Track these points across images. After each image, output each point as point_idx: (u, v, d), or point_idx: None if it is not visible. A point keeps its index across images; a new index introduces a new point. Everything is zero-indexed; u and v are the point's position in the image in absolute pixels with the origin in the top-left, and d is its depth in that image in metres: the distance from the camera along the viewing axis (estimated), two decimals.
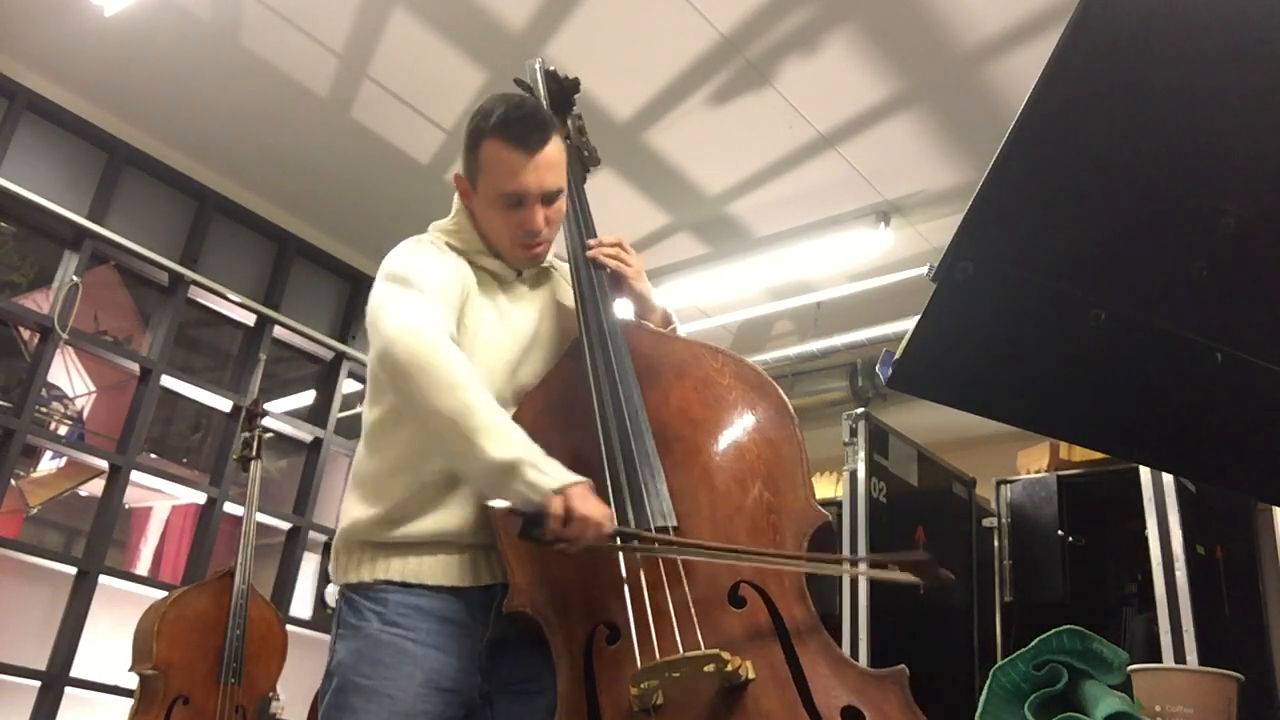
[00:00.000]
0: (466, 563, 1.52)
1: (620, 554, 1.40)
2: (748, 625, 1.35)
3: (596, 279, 1.71)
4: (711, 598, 1.36)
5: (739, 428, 1.55)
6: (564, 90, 1.89)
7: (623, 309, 1.74)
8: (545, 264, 1.75)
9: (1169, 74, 0.77)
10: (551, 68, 1.91)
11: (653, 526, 1.40)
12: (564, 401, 1.59)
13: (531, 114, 1.62)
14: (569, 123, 1.87)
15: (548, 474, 1.34)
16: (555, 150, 1.61)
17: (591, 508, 1.33)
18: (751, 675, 1.26)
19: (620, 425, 1.50)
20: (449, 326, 1.51)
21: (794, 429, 1.54)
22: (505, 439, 1.36)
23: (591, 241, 1.74)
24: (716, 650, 1.25)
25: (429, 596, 1.50)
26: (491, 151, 1.59)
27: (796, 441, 1.53)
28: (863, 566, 1.37)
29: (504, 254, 1.67)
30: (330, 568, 1.61)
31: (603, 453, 1.47)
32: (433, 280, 1.55)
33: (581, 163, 1.88)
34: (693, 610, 1.34)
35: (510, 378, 1.62)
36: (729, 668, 1.24)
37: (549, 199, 1.61)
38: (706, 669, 1.25)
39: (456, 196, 1.72)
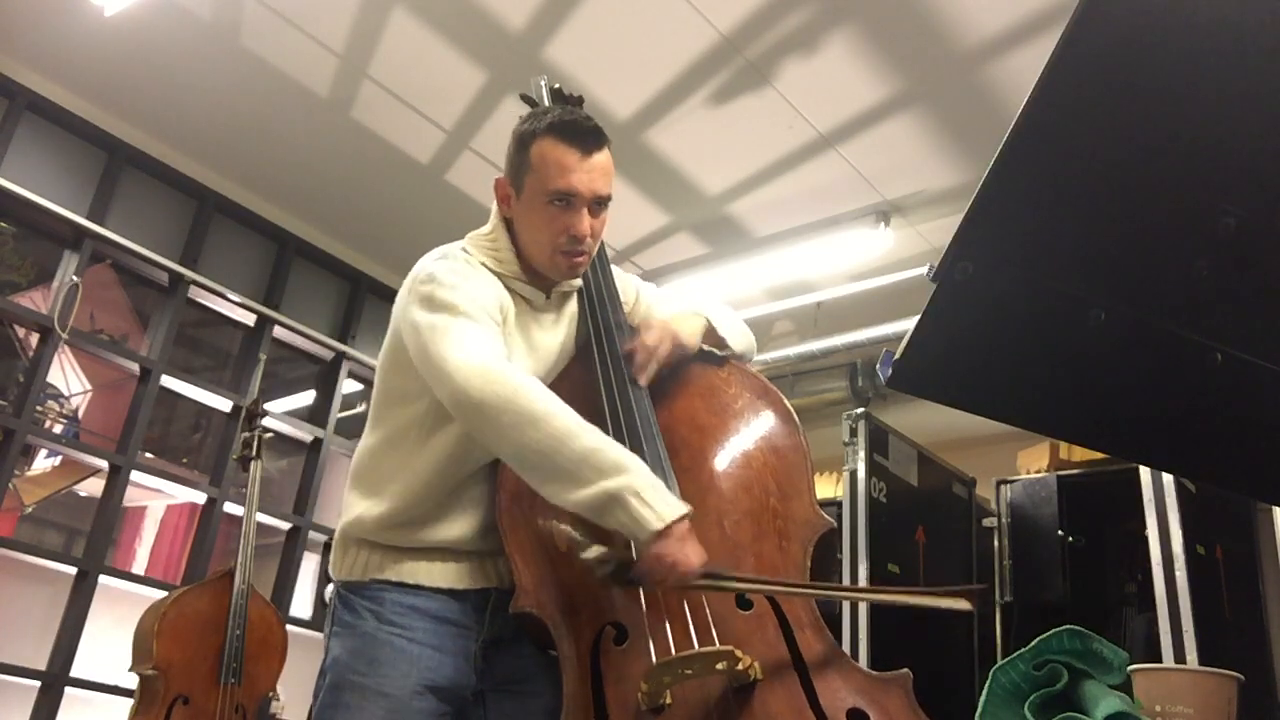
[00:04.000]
0: (465, 568, 1.53)
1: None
2: (755, 627, 1.35)
3: (606, 287, 1.71)
4: (719, 599, 1.37)
5: (745, 435, 1.57)
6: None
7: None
8: (576, 286, 1.71)
9: (1169, 73, 0.77)
10: (557, 85, 1.90)
11: None
12: (573, 406, 1.59)
13: (586, 120, 1.61)
14: None
15: (653, 506, 1.28)
16: (608, 160, 1.59)
17: (689, 552, 1.28)
18: (759, 676, 1.27)
19: (631, 429, 1.50)
20: (505, 354, 1.47)
21: (799, 437, 1.56)
22: (608, 464, 1.31)
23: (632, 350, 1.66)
24: (730, 647, 1.26)
25: (426, 596, 1.50)
26: (544, 149, 1.56)
27: (802, 449, 1.55)
28: (912, 598, 1.38)
29: (542, 265, 1.61)
30: (329, 563, 1.61)
31: None
32: (481, 306, 1.50)
33: None
34: (707, 609, 1.35)
35: None
36: (740, 666, 1.25)
37: (597, 206, 1.58)
38: (719, 666, 1.25)
39: (494, 210, 1.67)
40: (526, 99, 1.88)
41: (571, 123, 1.58)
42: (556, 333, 1.67)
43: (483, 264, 1.61)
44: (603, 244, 1.77)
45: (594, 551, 1.31)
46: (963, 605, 1.32)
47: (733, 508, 1.47)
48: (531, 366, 1.59)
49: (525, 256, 1.62)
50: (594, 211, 1.58)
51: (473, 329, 1.46)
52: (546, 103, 1.86)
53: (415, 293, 1.53)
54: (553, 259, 1.59)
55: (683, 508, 1.31)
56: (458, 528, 1.52)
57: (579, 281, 1.71)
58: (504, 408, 1.35)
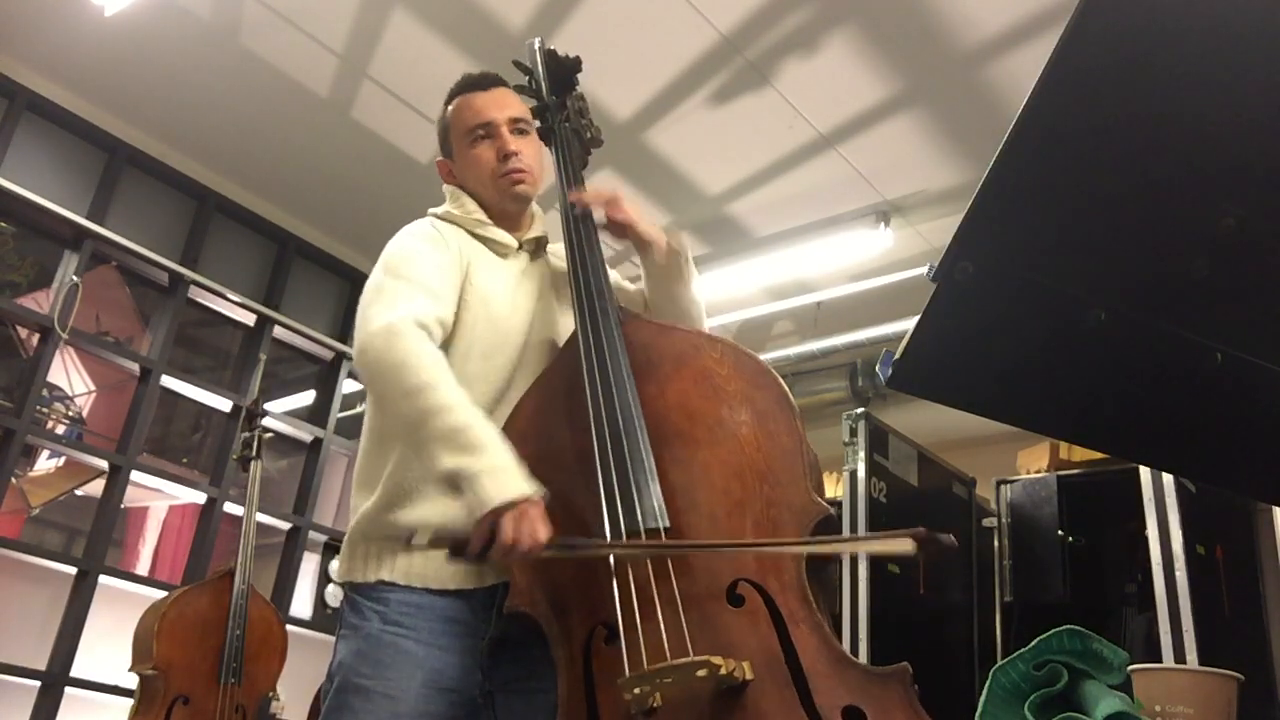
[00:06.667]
0: (471, 567, 1.51)
1: (611, 554, 1.38)
2: (746, 624, 1.32)
3: (593, 268, 1.66)
4: (707, 595, 1.34)
5: (738, 420, 1.51)
6: (565, 69, 1.86)
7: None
8: (540, 234, 1.76)
9: (1169, 73, 0.77)
10: (551, 47, 1.88)
11: (643, 529, 1.37)
12: (566, 396, 1.57)
13: (480, 73, 1.78)
14: (569, 103, 1.84)
15: (490, 488, 1.31)
16: (511, 93, 1.76)
17: (523, 532, 1.30)
18: (749, 676, 1.24)
19: (613, 424, 1.47)
20: (436, 314, 1.51)
21: (794, 420, 1.49)
22: (463, 444, 1.35)
23: (572, 196, 1.71)
24: (706, 657, 1.23)
25: (432, 596, 1.49)
26: (454, 107, 1.75)
27: (797, 433, 1.48)
28: (850, 545, 1.35)
29: (492, 199, 1.71)
30: (336, 566, 1.60)
31: (595, 451, 1.45)
32: (423, 266, 1.56)
33: (582, 144, 1.83)
34: (682, 611, 1.31)
35: (518, 353, 1.62)
36: (723, 671, 1.22)
37: (517, 127, 1.71)
38: (699, 674, 1.22)
39: (446, 187, 1.77)
40: (519, 65, 1.87)
41: (466, 77, 1.77)
42: (528, 283, 1.70)
43: (449, 217, 1.70)
44: (600, 254, 1.73)
45: (420, 540, 1.37)
46: (907, 546, 1.26)
47: (725, 498, 1.43)
48: (511, 306, 1.64)
49: (483, 203, 1.72)
50: (515, 133, 1.70)
51: (401, 291, 1.51)
52: (540, 67, 1.87)
53: (377, 263, 1.61)
54: (497, 185, 1.70)
55: (525, 490, 1.33)
56: (454, 506, 1.51)
57: (541, 229, 1.77)
58: (388, 375, 1.42)
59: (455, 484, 1.35)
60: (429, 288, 1.54)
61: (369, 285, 1.56)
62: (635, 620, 1.32)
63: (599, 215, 1.68)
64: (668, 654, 1.27)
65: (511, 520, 1.30)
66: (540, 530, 1.32)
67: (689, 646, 1.27)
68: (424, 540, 1.37)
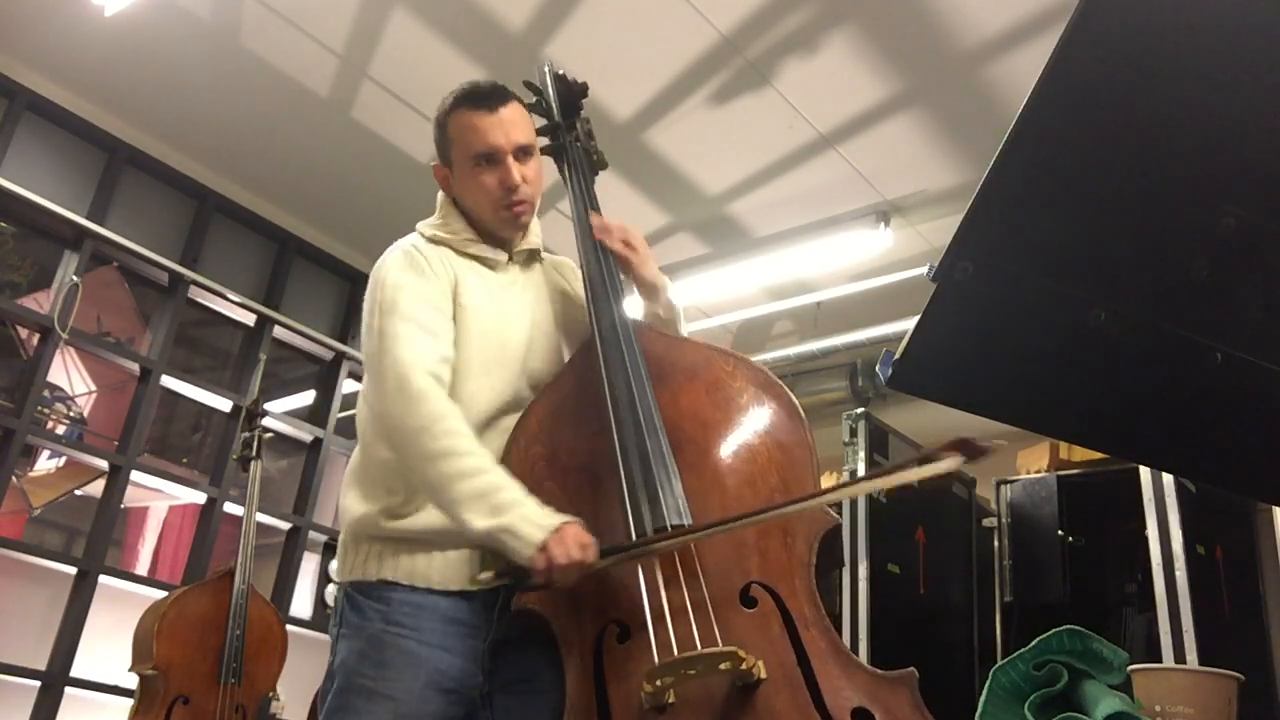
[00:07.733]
0: (475, 563, 1.51)
1: (654, 550, 1.40)
2: (759, 625, 1.35)
3: (609, 277, 1.69)
4: (723, 597, 1.36)
5: (750, 430, 1.55)
6: (572, 93, 1.91)
7: (632, 305, 1.74)
8: (533, 246, 1.76)
9: (1169, 74, 0.77)
10: (561, 71, 1.93)
11: (668, 524, 1.40)
12: (578, 399, 1.59)
13: (487, 84, 1.70)
14: (577, 125, 1.88)
15: (524, 537, 1.35)
16: (517, 110, 1.69)
17: (572, 550, 1.34)
18: (763, 675, 1.26)
19: (635, 423, 1.49)
20: (441, 353, 1.53)
21: (805, 433, 1.54)
22: (483, 506, 1.39)
23: (595, 220, 1.73)
24: (734, 648, 1.25)
25: (434, 596, 1.49)
26: (457, 121, 1.66)
27: (807, 445, 1.53)
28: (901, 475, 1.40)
29: (490, 224, 1.69)
30: (335, 565, 1.60)
31: (617, 451, 1.47)
32: (417, 302, 1.56)
33: (590, 166, 1.88)
34: (709, 607, 1.34)
35: (520, 364, 1.63)
36: (744, 666, 1.24)
37: (521, 154, 1.66)
38: (722, 667, 1.25)
39: (440, 194, 1.76)
40: (530, 86, 1.88)
41: (473, 90, 1.68)
42: (522, 294, 1.70)
43: (436, 238, 1.69)
44: (615, 263, 1.74)
45: (487, 575, 1.41)
46: (956, 461, 1.31)
47: (737, 505, 1.46)
48: (500, 321, 1.64)
49: (477, 222, 1.70)
50: (520, 160, 1.66)
51: (406, 335, 1.52)
52: (550, 89, 1.89)
53: (370, 297, 1.61)
54: (497, 214, 1.67)
55: (557, 518, 1.37)
56: None
57: (537, 239, 1.77)
58: (410, 440, 1.46)
59: (491, 542, 1.38)
60: (427, 325, 1.55)
61: (369, 328, 1.57)
62: (664, 613, 1.34)
63: (614, 246, 1.71)
64: (697, 644, 1.30)
65: (557, 544, 1.34)
66: (586, 539, 1.36)
67: (717, 638, 1.30)
68: (489, 576, 1.41)
